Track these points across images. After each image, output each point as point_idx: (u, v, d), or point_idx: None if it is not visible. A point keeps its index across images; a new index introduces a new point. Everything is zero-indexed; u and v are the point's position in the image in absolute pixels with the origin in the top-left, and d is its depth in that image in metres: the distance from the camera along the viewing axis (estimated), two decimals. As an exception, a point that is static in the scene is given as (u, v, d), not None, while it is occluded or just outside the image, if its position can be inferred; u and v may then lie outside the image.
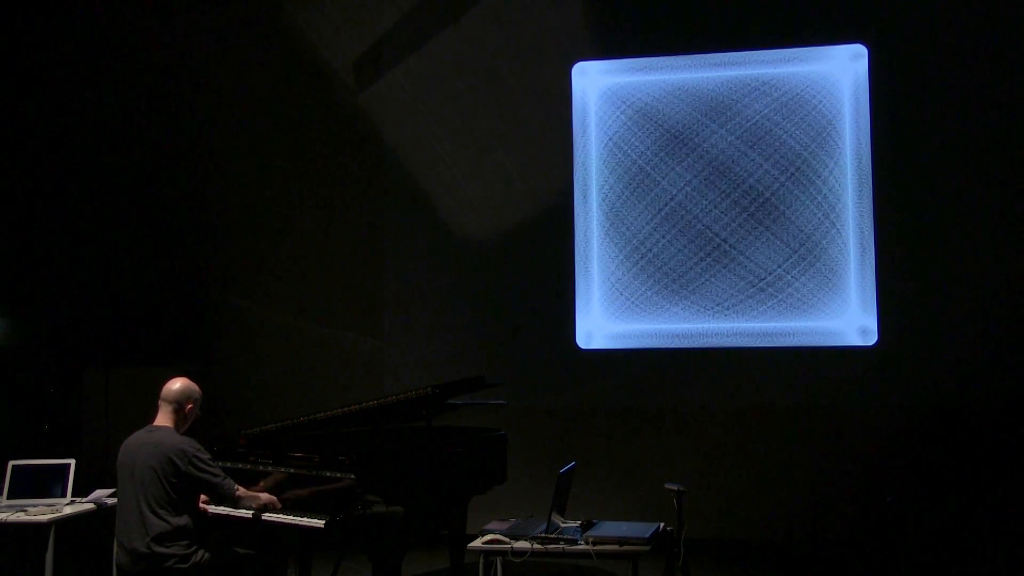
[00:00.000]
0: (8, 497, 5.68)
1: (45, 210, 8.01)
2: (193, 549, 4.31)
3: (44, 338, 7.77)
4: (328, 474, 4.72)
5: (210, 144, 8.10)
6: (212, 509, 4.76)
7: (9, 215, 7.76)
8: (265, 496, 4.68)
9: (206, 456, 4.41)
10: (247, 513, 4.67)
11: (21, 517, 5.43)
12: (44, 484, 5.74)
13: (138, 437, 4.46)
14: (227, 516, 4.73)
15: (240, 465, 5.02)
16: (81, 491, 5.90)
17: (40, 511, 5.51)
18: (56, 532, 5.48)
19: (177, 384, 4.55)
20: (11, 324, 7.55)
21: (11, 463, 5.78)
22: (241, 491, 4.53)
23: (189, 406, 4.53)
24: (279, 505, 4.67)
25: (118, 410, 7.07)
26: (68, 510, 5.60)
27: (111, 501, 5.90)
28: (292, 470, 4.87)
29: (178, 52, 8.12)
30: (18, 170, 7.90)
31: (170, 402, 4.51)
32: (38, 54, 8.07)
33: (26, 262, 7.82)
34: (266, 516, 4.68)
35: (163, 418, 4.50)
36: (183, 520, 4.32)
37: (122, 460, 4.42)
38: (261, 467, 4.98)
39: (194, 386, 4.60)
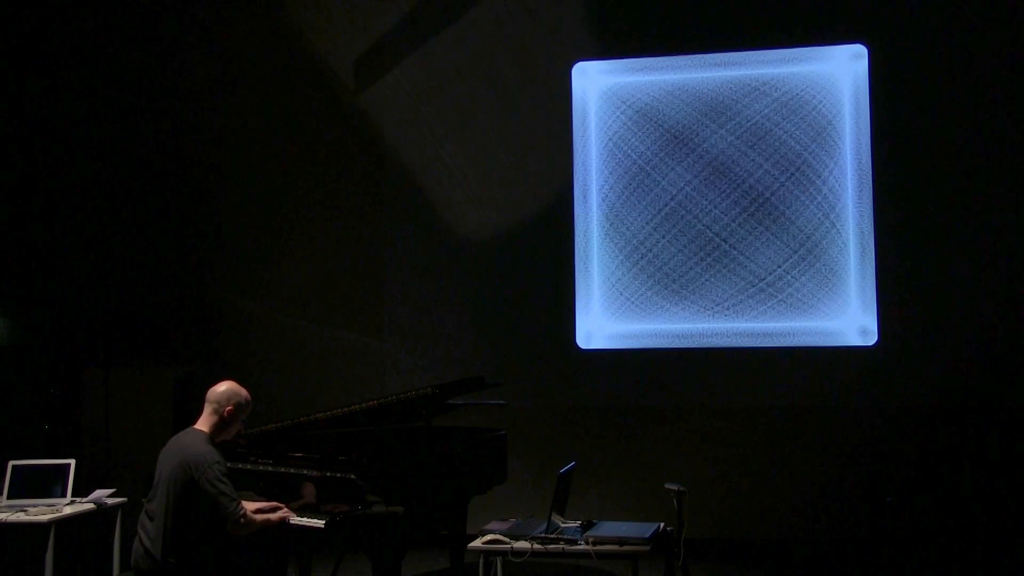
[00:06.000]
0: (8, 497, 5.68)
1: (45, 210, 8.01)
2: (200, 552, 4.27)
3: (44, 338, 7.77)
4: (328, 474, 4.72)
5: (210, 144, 8.10)
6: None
7: (9, 215, 7.76)
8: (276, 517, 4.54)
9: (220, 472, 4.25)
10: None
11: (21, 517, 5.43)
12: (44, 484, 5.75)
13: (176, 438, 4.40)
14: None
15: (240, 465, 5.02)
16: (81, 491, 5.91)
17: (40, 511, 5.51)
18: (56, 532, 5.49)
19: (223, 386, 4.45)
20: (11, 324, 7.55)
21: (11, 463, 5.79)
22: (247, 517, 4.33)
23: (229, 408, 4.39)
24: (292, 518, 4.58)
25: (118, 410, 7.07)
26: (68, 510, 5.61)
27: (111, 501, 5.92)
28: (292, 470, 4.87)
29: (178, 52, 8.12)
30: (18, 170, 7.90)
31: (211, 403, 4.41)
32: (38, 53, 8.07)
33: (26, 262, 7.82)
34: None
35: (202, 420, 4.41)
36: (189, 525, 4.24)
37: (159, 460, 4.35)
38: (261, 467, 4.98)
39: (241, 391, 4.47)
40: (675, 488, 4.85)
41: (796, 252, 7.18)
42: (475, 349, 7.60)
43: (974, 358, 6.94)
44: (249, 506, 4.47)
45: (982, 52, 7.02)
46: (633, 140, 7.45)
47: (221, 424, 4.41)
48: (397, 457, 5.14)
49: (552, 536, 4.72)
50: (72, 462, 5.86)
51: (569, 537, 4.70)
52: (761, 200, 7.24)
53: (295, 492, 4.82)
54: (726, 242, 7.27)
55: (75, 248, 8.04)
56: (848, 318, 7.10)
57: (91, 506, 5.76)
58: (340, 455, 4.89)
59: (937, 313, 6.99)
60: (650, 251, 7.39)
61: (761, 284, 7.22)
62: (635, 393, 7.40)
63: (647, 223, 7.40)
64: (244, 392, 4.48)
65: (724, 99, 7.33)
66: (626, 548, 4.65)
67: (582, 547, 4.66)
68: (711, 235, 7.30)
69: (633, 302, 7.40)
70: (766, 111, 7.26)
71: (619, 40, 7.52)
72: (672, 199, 7.37)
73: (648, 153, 7.42)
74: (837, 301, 7.12)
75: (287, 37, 8.01)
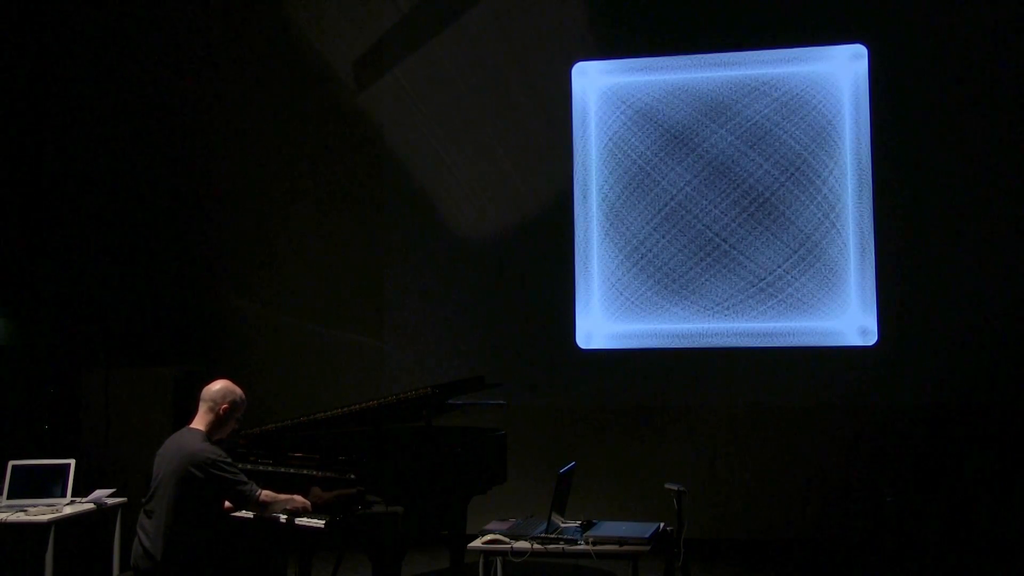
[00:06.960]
0: (8, 497, 5.69)
1: (45, 210, 8.00)
2: (201, 551, 4.26)
3: (44, 338, 7.77)
4: (328, 474, 4.72)
5: (210, 144, 8.10)
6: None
7: (9, 215, 7.76)
8: (300, 499, 4.52)
9: (225, 461, 4.26)
10: (282, 517, 4.56)
11: (21, 517, 5.43)
12: (44, 484, 5.75)
13: (172, 438, 4.39)
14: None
15: (240, 465, 5.01)
16: (81, 491, 5.91)
17: (40, 511, 5.51)
18: (56, 532, 5.49)
19: (218, 384, 4.45)
20: (11, 324, 7.55)
21: (11, 463, 5.79)
22: (266, 495, 4.35)
23: (224, 406, 4.39)
24: (311, 508, 4.54)
25: (118, 410, 7.06)
26: (68, 510, 5.61)
27: (111, 501, 5.92)
28: (292, 470, 4.87)
29: (178, 52, 8.12)
30: (18, 170, 7.90)
31: (206, 401, 4.40)
32: (39, 53, 8.07)
33: (26, 262, 7.82)
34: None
35: (198, 419, 4.40)
36: (190, 524, 4.23)
37: (157, 459, 4.35)
38: (261, 467, 4.98)
39: (236, 389, 4.46)
40: (675, 488, 4.85)
41: (796, 252, 7.18)
42: (475, 349, 7.60)
43: (974, 358, 6.94)
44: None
45: (982, 52, 7.02)
46: (633, 140, 7.45)
47: (217, 422, 4.40)
48: (397, 457, 5.14)
49: (552, 536, 4.72)
50: (72, 462, 5.86)
51: (569, 537, 4.70)
52: (761, 200, 7.24)
53: (300, 494, 4.81)
54: (726, 242, 7.27)
55: (75, 248, 8.04)
56: (848, 318, 7.10)
57: (91, 506, 5.76)
58: (340, 455, 4.89)
59: (937, 313, 6.99)
60: (650, 251, 7.39)
61: (761, 284, 7.22)
62: (635, 393, 7.40)
63: (647, 223, 7.40)
64: (239, 390, 4.48)
65: (724, 99, 7.33)
66: (626, 548, 4.65)
67: (582, 547, 4.66)
68: (711, 235, 7.30)
69: (633, 302, 7.39)
70: (766, 111, 7.26)
71: (619, 40, 7.52)
72: (672, 199, 7.37)
73: (648, 153, 7.42)
74: (837, 301, 7.12)
75: (287, 37, 8.01)
